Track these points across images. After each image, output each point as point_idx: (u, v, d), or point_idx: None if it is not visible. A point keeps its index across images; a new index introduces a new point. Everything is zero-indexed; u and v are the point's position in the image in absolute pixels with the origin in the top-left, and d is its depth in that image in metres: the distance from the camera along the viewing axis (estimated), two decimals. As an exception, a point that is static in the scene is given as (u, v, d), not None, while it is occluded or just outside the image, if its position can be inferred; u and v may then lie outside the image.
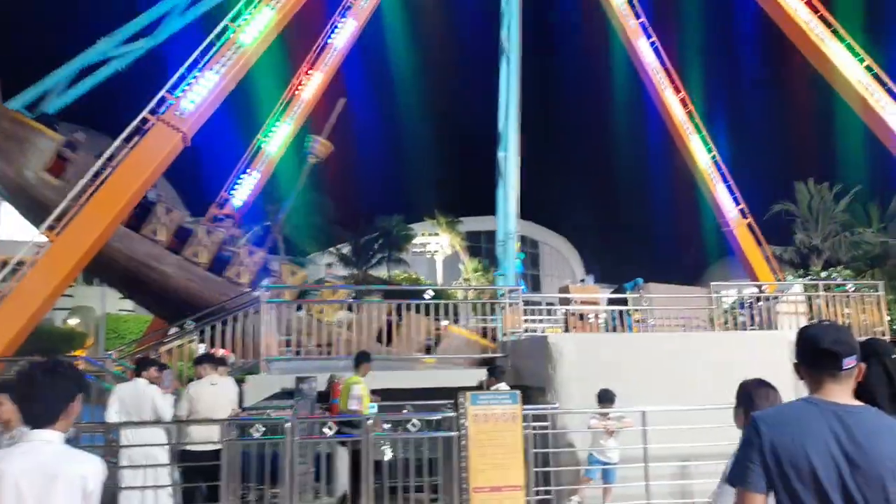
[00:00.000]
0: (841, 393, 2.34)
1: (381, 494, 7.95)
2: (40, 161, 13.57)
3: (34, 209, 14.24)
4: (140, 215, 14.76)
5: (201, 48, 15.08)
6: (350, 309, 12.66)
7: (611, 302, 13.24)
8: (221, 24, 15.33)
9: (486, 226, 59.78)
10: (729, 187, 25.16)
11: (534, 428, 8.25)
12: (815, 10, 20.01)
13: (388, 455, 8.92)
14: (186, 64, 14.85)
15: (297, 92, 21.73)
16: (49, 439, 2.89)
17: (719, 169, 25.16)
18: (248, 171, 22.08)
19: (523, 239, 47.88)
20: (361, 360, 9.25)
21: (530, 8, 25.34)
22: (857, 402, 2.36)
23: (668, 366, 9.52)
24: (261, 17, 15.45)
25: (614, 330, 12.92)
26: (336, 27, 21.70)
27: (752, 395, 4.44)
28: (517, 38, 24.02)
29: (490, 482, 7.79)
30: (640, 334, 12.56)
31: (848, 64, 19.45)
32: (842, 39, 19.68)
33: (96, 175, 13.92)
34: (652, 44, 25.01)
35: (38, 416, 2.91)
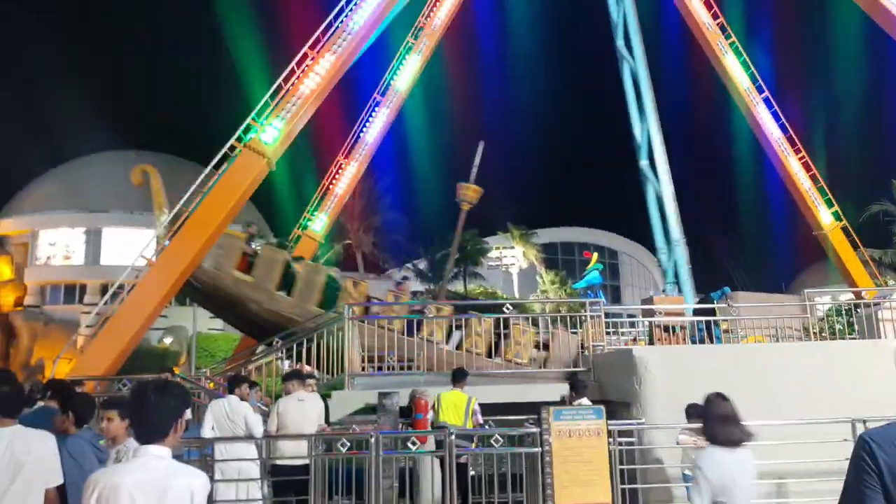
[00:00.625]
0: None
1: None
2: (232, 261, 13.90)
3: (223, 305, 14.59)
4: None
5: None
6: (457, 327, 12.60)
7: (696, 312, 12.77)
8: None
9: (562, 237, 59.21)
10: (822, 189, 23.97)
11: (619, 444, 8.06)
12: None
13: (471, 471, 8.95)
14: (269, 93, 15.56)
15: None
16: (159, 455, 3.07)
17: (809, 170, 24.04)
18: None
19: (601, 250, 47.10)
20: (461, 376, 9.52)
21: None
22: None
23: (759, 378, 9.10)
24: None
25: (701, 342, 12.47)
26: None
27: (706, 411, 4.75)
28: (640, 44, 23.89)
29: (575, 499, 7.64)
30: (729, 346, 12.05)
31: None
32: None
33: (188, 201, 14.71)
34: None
35: (149, 433, 3.09)
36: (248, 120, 15.31)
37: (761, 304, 14.05)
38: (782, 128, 24.15)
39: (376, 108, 22.56)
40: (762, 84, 24.18)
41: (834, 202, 23.90)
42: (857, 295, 13.08)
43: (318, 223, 22.64)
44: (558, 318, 12.99)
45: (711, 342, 12.41)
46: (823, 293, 13.44)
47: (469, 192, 16.59)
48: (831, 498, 5.50)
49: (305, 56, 16.06)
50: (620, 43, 24.14)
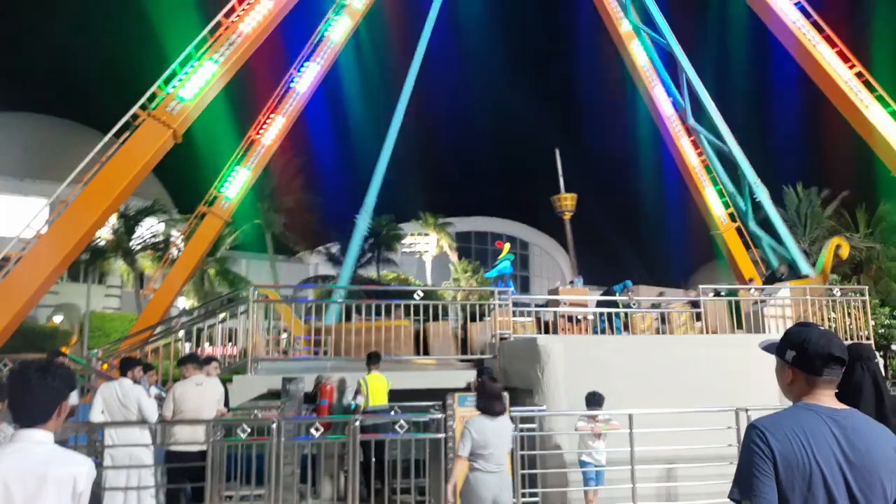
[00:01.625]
0: (832, 398, 2.38)
1: (366, 496, 7.92)
2: None
3: None
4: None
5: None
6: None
7: (600, 304, 13.26)
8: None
9: (476, 226, 59.96)
10: (719, 191, 25.37)
11: (521, 430, 8.26)
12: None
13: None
14: (177, 61, 14.78)
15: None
16: (40, 440, 2.86)
17: (710, 173, 25.35)
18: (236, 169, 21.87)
19: (513, 240, 48.07)
20: (377, 359, 9.69)
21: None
22: (844, 406, 2.38)
23: (656, 368, 9.56)
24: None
25: (603, 332, 12.95)
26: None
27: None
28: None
29: (477, 484, 7.77)
30: (629, 336, 12.59)
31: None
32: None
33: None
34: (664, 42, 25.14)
35: (29, 416, 2.88)
36: (154, 88, 14.52)
37: (660, 298, 14.73)
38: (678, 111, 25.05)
39: (291, 84, 21.89)
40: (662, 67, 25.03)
41: (731, 204, 25.37)
42: (746, 292, 13.94)
43: (237, 184, 21.70)
44: (468, 305, 13.12)
45: (613, 333, 12.93)
46: (718, 289, 14.22)
47: (567, 202, 17.27)
48: (717, 481, 5.86)
49: (220, 24, 15.38)
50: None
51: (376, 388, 9.52)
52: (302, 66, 21.79)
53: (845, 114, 18.95)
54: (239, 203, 22.38)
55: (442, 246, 54.32)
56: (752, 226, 20.58)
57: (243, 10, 15.93)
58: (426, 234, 55.05)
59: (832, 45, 19.21)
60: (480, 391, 6.37)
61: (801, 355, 2.41)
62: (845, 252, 16.68)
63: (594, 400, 8.57)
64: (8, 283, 12.72)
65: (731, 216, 25.30)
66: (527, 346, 9.66)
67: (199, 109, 15.27)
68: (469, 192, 73.79)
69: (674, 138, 25.10)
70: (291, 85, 21.76)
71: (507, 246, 18.94)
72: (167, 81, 14.90)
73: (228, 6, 15.73)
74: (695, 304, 12.85)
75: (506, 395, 6.64)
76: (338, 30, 21.99)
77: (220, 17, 15.64)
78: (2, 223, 33.89)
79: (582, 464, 8.56)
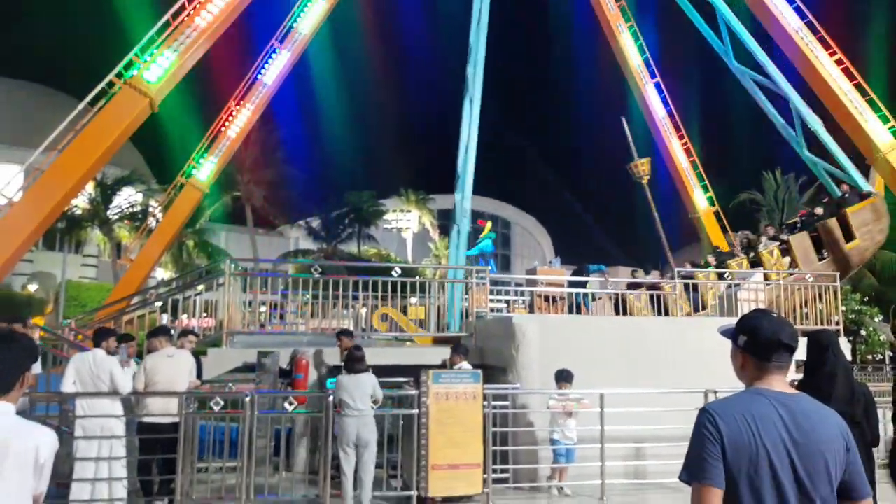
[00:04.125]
0: (783, 383, 2.44)
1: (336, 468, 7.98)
2: None
3: None
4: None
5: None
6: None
7: (571, 284, 13.37)
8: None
9: (458, 204, 59.91)
10: (699, 174, 25.59)
11: (493, 407, 8.36)
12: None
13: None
14: (152, 31, 14.47)
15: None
16: (2, 411, 2.84)
17: (689, 155, 25.53)
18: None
19: (495, 219, 48.15)
20: (349, 336, 9.52)
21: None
22: (794, 390, 2.44)
23: (628, 349, 9.69)
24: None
25: (579, 312, 13.07)
26: (267, 61, 21.27)
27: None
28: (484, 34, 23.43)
29: (448, 460, 7.89)
30: (602, 317, 12.73)
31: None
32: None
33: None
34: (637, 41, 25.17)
35: None
36: (131, 55, 14.22)
37: (634, 280, 14.89)
38: (669, 112, 25.39)
39: (275, 53, 21.48)
40: (654, 68, 25.24)
41: (709, 188, 25.59)
42: (720, 276, 14.13)
43: (206, 170, 21.44)
44: (445, 283, 13.14)
45: (585, 313, 13.07)
46: (692, 272, 14.38)
47: (643, 167, 17.68)
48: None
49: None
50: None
51: None
52: (269, 56, 21.37)
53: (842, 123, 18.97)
54: (218, 175, 22.09)
55: (423, 223, 54.25)
56: (807, 153, 20.29)
57: None
58: (408, 211, 54.91)
59: (834, 56, 19.08)
60: (348, 357, 7.89)
61: (752, 341, 2.47)
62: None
63: (563, 376, 8.69)
64: (-21, 251, 12.53)
65: (710, 200, 25.59)
66: (502, 325, 9.73)
67: (176, 79, 15.00)
68: (452, 169, 73.57)
69: (665, 140, 25.22)
70: (258, 77, 21.35)
71: (489, 224, 18.97)
72: (144, 50, 14.58)
73: None
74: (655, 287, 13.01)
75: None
76: (308, 20, 21.34)
77: None
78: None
79: (553, 441, 8.70)
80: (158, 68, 14.50)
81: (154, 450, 7.74)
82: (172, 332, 8.82)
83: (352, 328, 10.73)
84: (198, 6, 15.01)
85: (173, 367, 7.82)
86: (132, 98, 14.04)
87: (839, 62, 18.85)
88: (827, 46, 18.98)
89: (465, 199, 14.32)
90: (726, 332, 2.63)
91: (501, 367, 9.41)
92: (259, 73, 21.39)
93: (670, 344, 9.84)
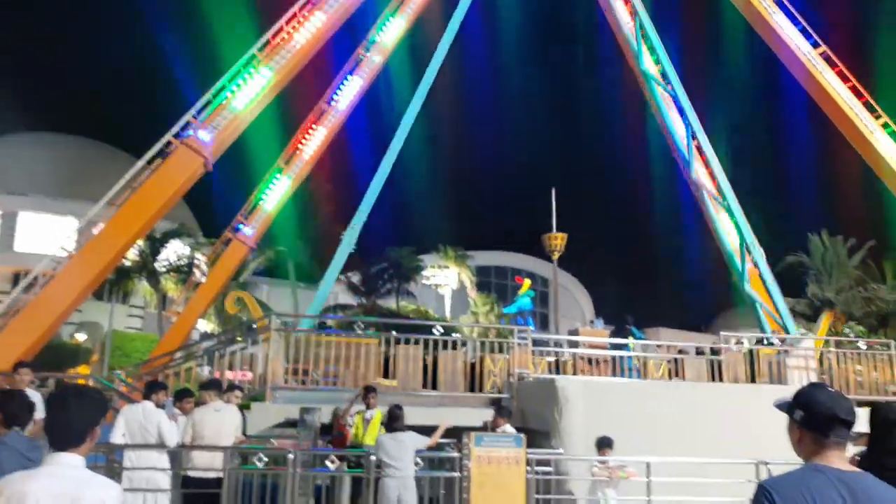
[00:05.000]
0: (842, 460, 2.40)
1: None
2: None
3: None
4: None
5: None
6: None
7: (614, 347, 13.18)
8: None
9: (497, 261, 59.93)
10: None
11: (536, 473, 8.19)
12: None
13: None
14: (212, 90, 15.24)
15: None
16: (73, 463, 2.94)
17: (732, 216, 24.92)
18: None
19: (533, 276, 48.02)
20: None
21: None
22: (855, 468, 2.40)
23: (675, 415, 9.45)
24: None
25: (621, 374, 12.83)
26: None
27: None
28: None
29: (490, 525, 7.71)
30: (651, 381, 12.45)
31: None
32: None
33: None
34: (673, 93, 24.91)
35: (64, 439, 2.96)
36: (188, 116, 14.94)
37: (684, 344, 14.59)
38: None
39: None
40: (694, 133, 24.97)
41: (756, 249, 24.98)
42: (766, 341, 13.77)
43: (252, 227, 21.96)
44: (486, 342, 13.10)
45: (626, 375, 12.80)
46: (740, 337, 14.05)
47: (557, 242, 17.93)
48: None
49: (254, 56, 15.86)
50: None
51: (373, 423, 9.31)
52: (343, 82, 21.58)
53: (853, 142, 19.01)
54: (264, 230, 22.64)
55: (462, 279, 54.33)
56: (748, 287, 20.33)
57: (292, 27, 16.34)
58: (446, 267, 55.12)
59: (844, 79, 19.25)
60: (389, 416, 7.96)
61: (809, 416, 2.44)
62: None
63: (604, 443, 8.49)
64: (39, 301, 13.02)
65: (755, 263, 24.97)
66: (545, 387, 9.62)
67: (231, 139, 15.68)
68: (490, 226, 73.90)
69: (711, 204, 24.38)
70: (332, 101, 21.53)
71: (528, 282, 18.93)
72: (200, 111, 15.31)
73: (276, 27, 16.15)
74: (714, 352, 12.70)
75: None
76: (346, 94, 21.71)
77: (268, 35, 16.13)
78: (33, 240, 34.71)
79: (593, 510, 8.44)
80: (211, 130, 15.19)
81: (198, 504, 7.79)
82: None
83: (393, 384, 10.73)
84: (252, 70, 15.78)
85: (220, 421, 7.92)
86: (188, 158, 14.69)
87: (845, 79, 19.05)
88: (833, 65, 19.13)
89: None
90: (782, 406, 2.61)
91: (544, 432, 9.26)
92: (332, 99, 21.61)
93: (722, 411, 9.56)
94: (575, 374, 12.47)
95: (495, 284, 57.53)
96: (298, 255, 41.61)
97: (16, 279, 31.61)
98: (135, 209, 13.83)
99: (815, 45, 19.76)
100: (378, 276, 46.69)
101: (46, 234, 18.40)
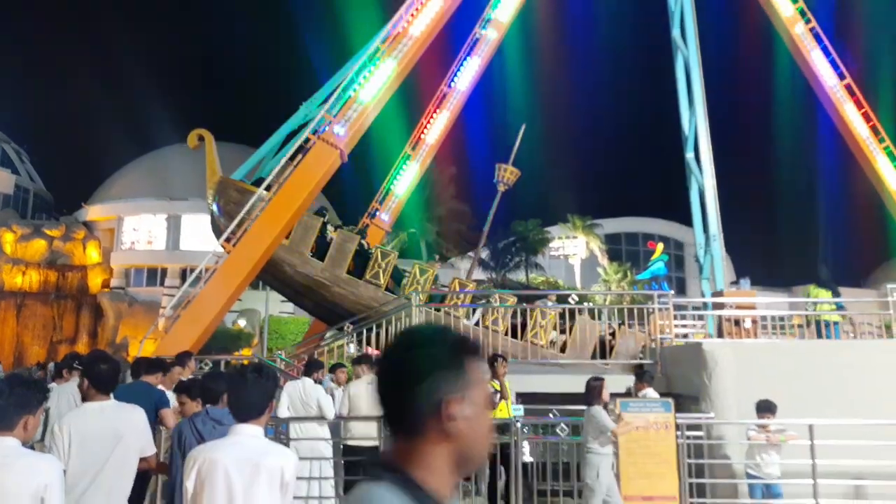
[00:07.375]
0: None
1: (527, 497, 8.06)
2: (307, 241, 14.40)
3: (275, 275, 15.18)
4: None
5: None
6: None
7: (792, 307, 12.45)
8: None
9: (626, 227, 58.03)
10: (881, 141, 22.04)
11: (687, 437, 8.01)
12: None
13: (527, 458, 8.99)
14: (341, 85, 16.00)
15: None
16: (254, 433, 3.30)
17: (868, 121, 22.12)
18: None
19: (666, 240, 46.12)
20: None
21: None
22: None
23: (838, 377, 8.85)
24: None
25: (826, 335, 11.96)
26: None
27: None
28: (694, 34, 22.59)
29: (642, 491, 7.67)
30: (808, 341, 11.68)
31: None
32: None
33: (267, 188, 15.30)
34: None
35: (246, 412, 3.32)
36: (322, 113, 15.80)
37: (847, 300, 13.50)
38: (839, 74, 22.17)
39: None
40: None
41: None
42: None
43: (386, 212, 22.79)
44: (625, 309, 12.86)
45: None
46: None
47: (507, 174, 16.87)
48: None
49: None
50: (676, 33, 22.92)
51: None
52: (462, 63, 21.60)
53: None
54: (398, 215, 23.40)
55: (591, 248, 53.23)
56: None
57: (411, 15, 16.78)
58: (574, 237, 54.21)
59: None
60: (587, 389, 7.64)
61: None
62: None
63: (766, 407, 8.10)
64: (206, 292, 14.43)
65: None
66: (691, 352, 9.34)
67: (361, 130, 16.41)
68: (618, 192, 71.59)
69: (837, 107, 22.08)
70: (452, 84, 21.64)
71: (661, 246, 18.26)
72: (326, 102, 16.16)
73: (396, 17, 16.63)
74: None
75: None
76: (463, 79, 21.09)
77: (388, 27, 16.66)
78: (195, 239, 38.21)
79: (748, 476, 8.12)
80: (343, 124, 15.94)
81: (358, 471, 8.35)
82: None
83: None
84: (382, 56, 16.34)
85: (373, 394, 8.42)
86: (325, 151, 15.54)
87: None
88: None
89: None
90: None
91: (692, 396, 9.02)
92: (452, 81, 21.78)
93: (889, 369, 8.83)
94: (721, 337, 11.97)
95: (627, 251, 55.83)
96: (428, 235, 42.72)
97: (183, 274, 35.05)
98: (281, 204, 14.84)
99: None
100: (506, 250, 46.88)
101: (207, 233, 20.10)
